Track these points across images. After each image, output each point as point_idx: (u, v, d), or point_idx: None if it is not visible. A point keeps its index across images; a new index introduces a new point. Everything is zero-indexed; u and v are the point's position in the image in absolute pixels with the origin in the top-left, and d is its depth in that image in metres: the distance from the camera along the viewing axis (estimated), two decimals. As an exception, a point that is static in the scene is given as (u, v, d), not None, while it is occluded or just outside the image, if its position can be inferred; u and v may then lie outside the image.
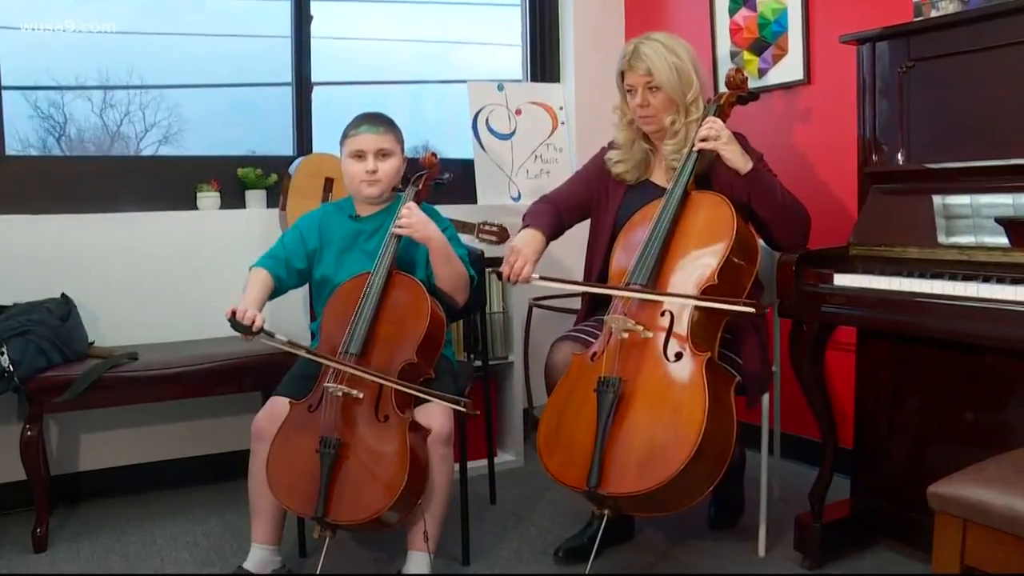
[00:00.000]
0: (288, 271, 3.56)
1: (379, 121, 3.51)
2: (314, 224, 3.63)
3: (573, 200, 3.76)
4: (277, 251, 3.58)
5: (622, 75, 3.59)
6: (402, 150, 3.58)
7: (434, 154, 3.64)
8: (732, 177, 3.41)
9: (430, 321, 3.26)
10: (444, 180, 3.67)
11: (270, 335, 3.19)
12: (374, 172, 3.48)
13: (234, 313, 3.18)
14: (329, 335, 3.35)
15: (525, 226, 3.62)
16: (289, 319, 4.62)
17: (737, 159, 3.35)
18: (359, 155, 3.49)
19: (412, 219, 3.36)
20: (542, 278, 3.39)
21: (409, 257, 3.53)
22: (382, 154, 3.49)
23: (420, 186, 3.55)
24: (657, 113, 3.54)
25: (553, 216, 3.68)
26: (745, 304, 3.00)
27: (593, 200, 3.75)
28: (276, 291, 3.55)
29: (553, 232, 3.66)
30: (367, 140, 3.48)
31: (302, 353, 3.27)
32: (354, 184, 3.55)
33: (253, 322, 3.19)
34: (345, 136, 3.53)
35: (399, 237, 3.38)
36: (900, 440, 3.54)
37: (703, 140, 3.34)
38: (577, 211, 3.77)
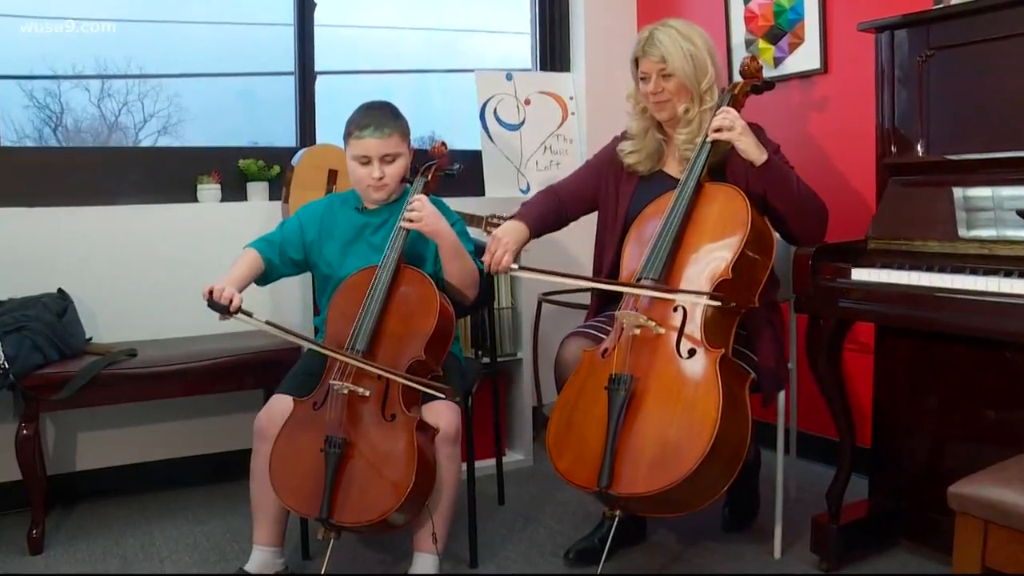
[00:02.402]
0: (282, 258, 3.56)
1: (384, 121, 3.47)
2: (316, 215, 3.63)
3: (579, 191, 3.78)
4: (274, 236, 3.59)
5: (636, 62, 3.60)
6: (409, 144, 3.57)
7: (443, 144, 3.64)
8: (747, 169, 3.42)
9: (439, 316, 3.27)
10: (454, 171, 3.68)
11: (248, 314, 3.18)
12: (380, 178, 3.48)
13: (211, 292, 3.17)
14: (334, 330, 3.35)
15: (512, 216, 3.68)
16: (291, 313, 4.64)
17: (752, 150, 3.35)
18: (364, 160, 3.48)
19: (422, 213, 3.36)
20: (523, 268, 3.43)
21: (418, 251, 3.53)
22: (388, 159, 3.48)
23: (429, 177, 3.55)
24: (671, 99, 3.55)
25: (549, 207, 3.72)
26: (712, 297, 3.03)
27: (601, 192, 3.75)
28: (266, 276, 3.56)
29: (542, 225, 3.71)
30: (372, 146, 3.45)
31: (286, 336, 3.20)
32: (360, 187, 3.55)
33: (231, 302, 3.17)
34: (349, 134, 3.50)
35: (407, 231, 3.38)
36: (919, 439, 3.55)
37: (716, 130, 3.34)
38: (584, 202, 3.78)
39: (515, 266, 3.44)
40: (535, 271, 3.43)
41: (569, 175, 3.90)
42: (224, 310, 3.16)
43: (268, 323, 3.16)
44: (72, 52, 4.73)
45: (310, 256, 3.61)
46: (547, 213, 3.70)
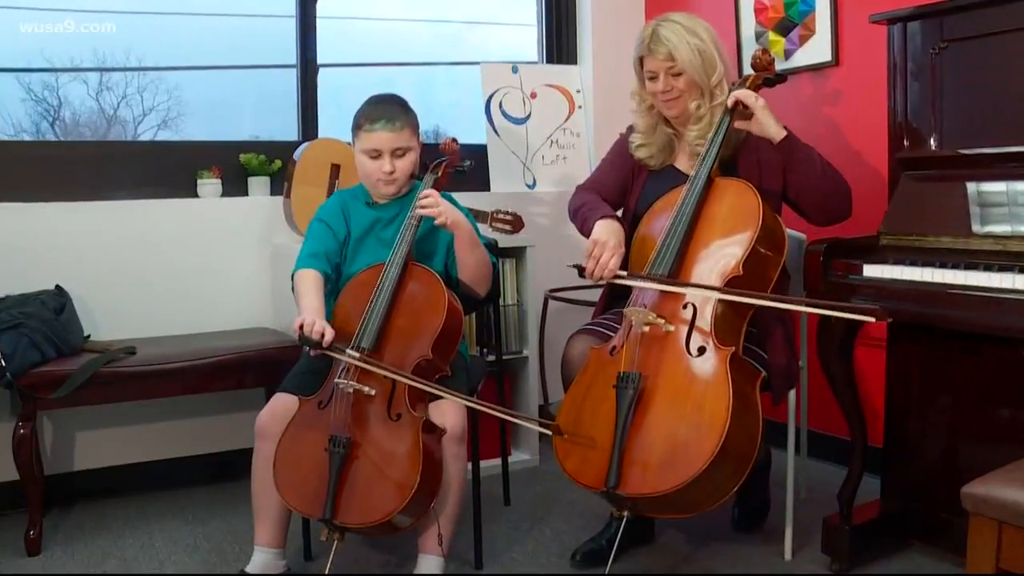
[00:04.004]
0: (331, 266, 3.53)
1: (395, 114, 3.47)
2: (337, 215, 3.62)
3: (613, 186, 3.76)
4: (313, 248, 3.54)
5: (641, 60, 3.60)
6: (419, 138, 3.58)
7: (454, 140, 3.65)
8: (763, 153, 3.46)
9: (447, 314, 3.28)
10: (464, 167, 3.68)
11: (340, 350, 3.19)
12: (391, 172, 3.48)
13: (302, 327, 3.18)
14: (341, 328, 3.33)
15: (600, 217, 3.50)
16: (292, 310, 4.65)
17: (771, 126, 3.36)
18: (374, 154, 3.48)
19: (440, 207, 3.35)
20: (630, 274, 3.34)
21: (426, 247, 3.55)
22: (399, 152, 3.48)
23: (439, 174, 3.56)
24: (681, 96, 3.54)
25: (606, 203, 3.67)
26: (862, 312, 2.92)
27: (626, 185, 3.77)
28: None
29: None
30: (383, 139, 3.45)
31: (374, 368, 3.21)
32: (370, 181, 3.56)
33: (323, 336, 3.17)
34: (359, 127, 3.49)
35: (416, 226, 3.39)
36: (932, 438, 3.55)
37: (735, 105, 3.35)
38: (618, 197, 3.76)
39: (623, 272, 3.36)
40: (640, 278, 3.36)
41: (594, 173, 3.89)
42: (316, 345, 3.16)
43: (363, 359, 3.18)
44: (70, 44, 4.73)
45: (344, 255, 3.62)
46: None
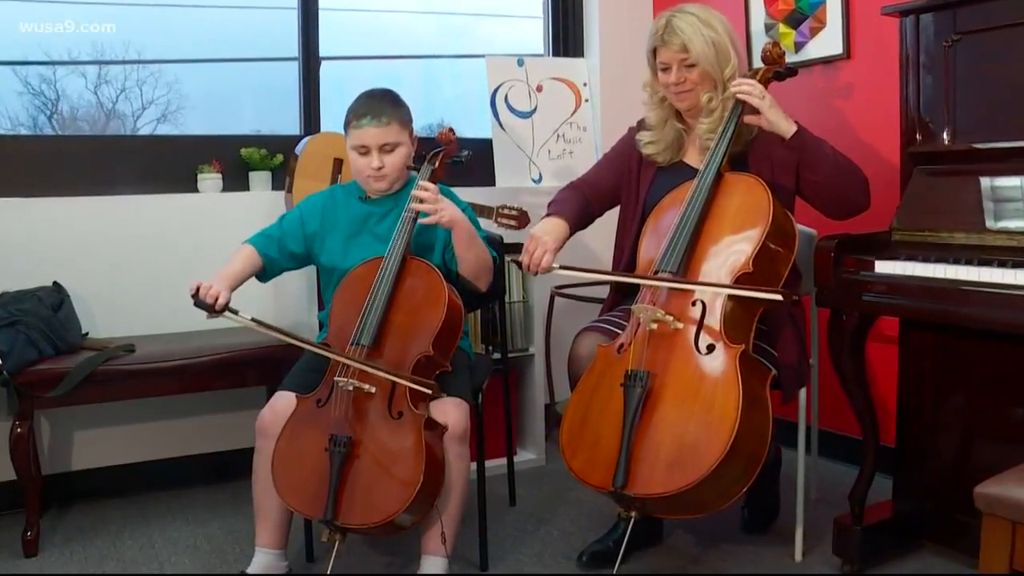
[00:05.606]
0: (281, 252, 3.58)
1: (382, 109, 3.47)
2: (317, 207, 3.65)
3: (601, 185, 3.78)
4: (272, 230, 3.61)
5: (654, 51, 3.59)
6: (410, 133, 3.57)
7: (451, 130, 3.64)
8: (774, 150, 3.45)
9: (447, 310, 3.27)
10: (462, 158, 3.68)
11: (234, 312, 3.19)
12: (380, 168, 3.48)
13: (198, 289, 3.19)
14: (339, 325, 3.36)
15: (548, 214, 3.64)
16: (293, 308, 4.65)
17: (780, 122, 3.35)
18: (363, 150, 3.49)
19: (438, 205, 3.33)
20: (563, 267, 3.39)
21: (424, 241, 3.54)
22: (387, 148, 3.48)
23: (436, 165, 3.56)
24: (694, 88, 3.54)
25: (579, 204, 3.70)
26: (774, 292, 3.04)
27: (622, 184, 3.76)
28: (266, 272, 3.58)
29: (578, 221, 3.68)
30: (369, 135, 3.45)
31: (273, 334, 3.20)
32: (360, 177, 3.57)
33: (216, 300, 3.18)
34: (347, 124, 3.51)
35: (414, 220, 3.38)
36: (945, 437, 3.55)
37: (743, 95, 3.35)
38: (606, 197, 3.78)
39: (556, 265, 3.41)
40: (576, 270, 3.41)
41: (589, 170, 3.90)
42: (209, 308, 3.18)
43: (254, 320, 3.18)
44: (68, 36, 4.73)
45: (311, 249, 3.62)
46: (579, 209, 3.69)
